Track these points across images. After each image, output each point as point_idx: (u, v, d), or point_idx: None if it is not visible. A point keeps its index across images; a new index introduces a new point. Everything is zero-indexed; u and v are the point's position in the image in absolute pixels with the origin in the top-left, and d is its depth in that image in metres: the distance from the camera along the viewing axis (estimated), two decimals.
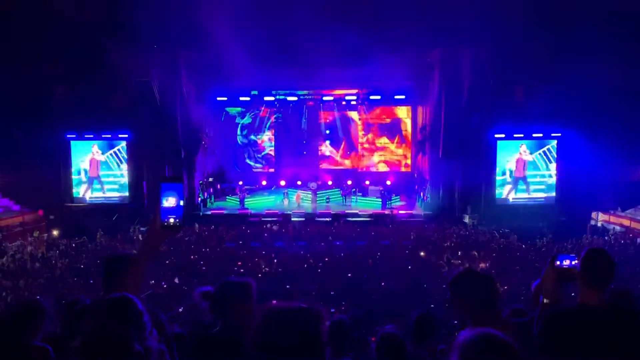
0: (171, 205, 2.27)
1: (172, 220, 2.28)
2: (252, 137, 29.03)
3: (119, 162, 24.34)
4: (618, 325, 2.58)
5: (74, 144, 24.24)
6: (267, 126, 28.93)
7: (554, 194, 23.50)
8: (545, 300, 3.01)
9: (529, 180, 23.71)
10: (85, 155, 24.32)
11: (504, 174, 23.74)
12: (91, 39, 19.65)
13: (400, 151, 28.79)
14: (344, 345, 3.71)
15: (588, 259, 2.88)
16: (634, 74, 20.65)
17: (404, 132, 28.66)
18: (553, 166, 23.51)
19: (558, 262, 3.03)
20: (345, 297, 11.84)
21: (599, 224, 21.57)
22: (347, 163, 29.18)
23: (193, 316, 9.90)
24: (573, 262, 2.98)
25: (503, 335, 1.64)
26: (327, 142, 28.98)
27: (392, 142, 28.75)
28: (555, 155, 23.41)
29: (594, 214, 22.05)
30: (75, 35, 19.70)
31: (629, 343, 2.61)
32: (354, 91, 26.25)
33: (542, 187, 23.67)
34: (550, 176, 23.60)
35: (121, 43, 20.02)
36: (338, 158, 29.22)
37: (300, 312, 1.68)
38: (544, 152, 23.57)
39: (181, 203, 2.29)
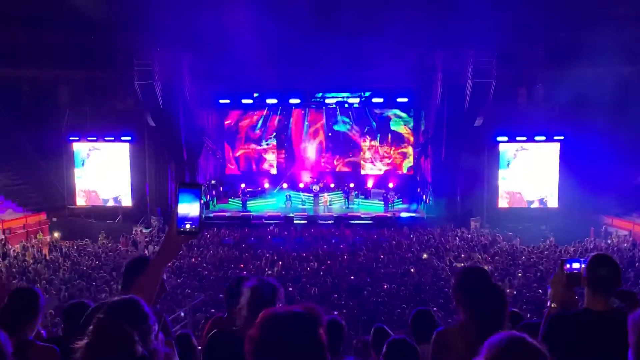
0: (188, 212, 2.28)
1: (188, 226, 2.28)
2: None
3: (121, 164, 24.33)
4: (623, 329, 2.56)
5: (77, 146, 24.26)
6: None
7: (556, 197, 23.43)
8: (552, 305, 3.00)
9: (531, 182, 23.66)
10: (88, 157, 24.34)
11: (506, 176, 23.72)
12: (95, 41, 19.76)
13: (402, 153, 28.80)
14: (337, 345, 3.71)
15: (594, 265, 2.86)
16: (637, 77, 20.63)
17: (406, 135, 28.67)
18: (556, 169, 23.44)
19: (568, 266, 3.01)
20: (348, 299, 11.83)
21: (602, 228, 21.50)
22: (350, 165, 29.17)
23: (195, 318, 9.92)
24: (583, 266, 2.97)
25: (534, 341, 1.62)
26: (331, 144, 28.99)
27: (395, 146, 28.77)
28: (558, 158, 23.35)
29: (597, 217, 21.98)
30: (78, 38, 19.80)
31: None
32: (357, 94, 26.26)
33: (545, 190, 23.61)
34: (553, 179, 23.54)
35: (125, 45, 20.13)
36: (341, 160, 29.21)
37: (298, 316, 1.67)
38: (547, 154, 23.51)
39: (198, 210, 2.29)
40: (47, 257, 17.58)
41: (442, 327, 3.11)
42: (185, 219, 2.28)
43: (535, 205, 23.62)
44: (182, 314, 10.15)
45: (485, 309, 2.85)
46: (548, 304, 3.05)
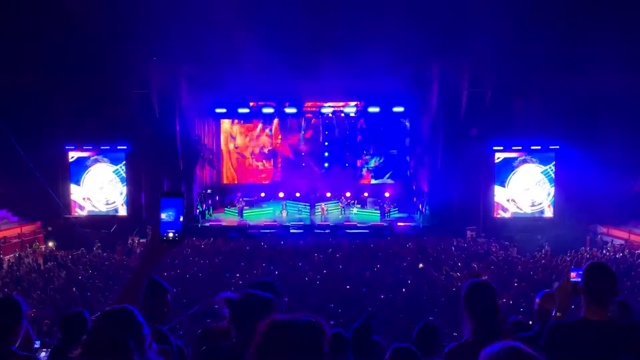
0: (171, 220, 2.29)
1: (171, 234, 2.28)
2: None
3: (117, 173, 24.29)
4: (620, 339, 2.58)
5: (73, 155, 24.22)
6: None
7: (552, 206, 23.48)
8: (558, 314, 3.01)
9: (527, 192, 23.72)
10: (84, 167, 24.30)
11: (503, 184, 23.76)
12: (91, 50, 19.76)
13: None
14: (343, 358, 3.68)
15: (590, 274, 2.87)
16: (634, 85, 20.75)
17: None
18: (551, 178, 23.51)
19: (573, 275, 3.03)
20: (344, 309, 11.79)
21: (598, 237, 21.55)
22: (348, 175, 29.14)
23: (191, 328, 9.86)
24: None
25: (530, 349, 1.63)
26: (326, 153, 28.99)
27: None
28: (554, 168, 23.43)
29: (592, 226, 22.03)
30: (75, 46, 19.80)
31: (632, 358, 2.60)
32: (353, 103, 26.32)
33: (541, 199, 23.67)
34: (549, 188, 23.60)
35: (121, 55, 20.13)
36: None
37: (304, 325, 1.67)
38: (542, 163, 23.59)
39: (181, 218, 2.29)
40: (42, 267, 17.48)
41: (453, 344, 3.06)
42: (168, 227, 2.29)
43: (531, 214, 23.66)
44: (178, 325, 10.09)
45: (489, 324, 2.84)
46: (553, 314, 3.06)
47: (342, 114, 27.17)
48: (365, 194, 27.38)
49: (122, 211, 24.30)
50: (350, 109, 26.41)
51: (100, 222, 23.43)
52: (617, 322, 2.83)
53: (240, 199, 25.94)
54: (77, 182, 24.33)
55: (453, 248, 19.53)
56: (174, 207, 2.30)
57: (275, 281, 3.06)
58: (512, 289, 13.52)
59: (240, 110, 26.55)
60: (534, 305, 3.98)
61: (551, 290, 3.86)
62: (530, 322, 4.96)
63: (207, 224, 24.27)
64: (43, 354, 3.86)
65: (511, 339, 2.98)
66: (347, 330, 3.93)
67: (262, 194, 27.66)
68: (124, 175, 24.26)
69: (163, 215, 2.29)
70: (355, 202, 26.66)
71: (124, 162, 24.22)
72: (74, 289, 13.90)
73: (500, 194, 23.76)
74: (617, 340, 2.67)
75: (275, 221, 24.49)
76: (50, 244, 21.32)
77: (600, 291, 2.83)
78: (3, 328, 2.83)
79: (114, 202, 24.39)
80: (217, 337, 3.17)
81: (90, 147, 24.13)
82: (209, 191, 26.98)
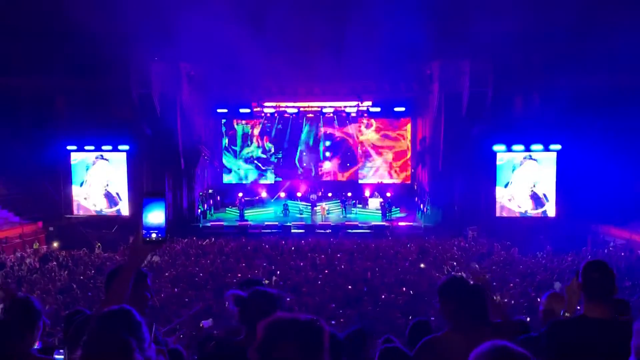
0: (154, 221, 2.27)
1: (154, 235, 2.27)
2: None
3: (119, 173, 24.29)
4: (620, 337, 2.56)
5: (75, 155, 24.23)
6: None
7: (554, 206, 23.44)
8: (566, 314, 3.01)
9: (529, 191, 23.68)
10: (85, 167, 24.31)
11: (505, 185, 23.72)
12: (92, 50, 19.78)
13: (400, 163, 28.83)
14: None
15: (587, 271, 2.87)
16: (637, 85, 20.72)
17: (404, 144, 28.72)
18: (553, 178, 23.46)
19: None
20: (346, 309, 11.78)
21: (600, 237, 21.50)
22: (347, 175, 29.15)
23: (191, 328, 9.86)
24: None
25: (518, 348, 1.62)
26: (327, 153, 29.00)
27: (392, 153, 28.81)
28: (556, 167, 23.38)
29: (594, 227, 21.98)
30: (76, 47, 19.82)
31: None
32: (354, 103, 26.33)
33: (543, 199, 23.63)
34: (550, 188, 23.56)
35: (122, 55, 20.15)
36: (338, 170, 29.20)
37: (305, 324, 1.68)
38: (544, 163, 23.54)
39: (163, 219, 2.28)
40: (43, 267, 17.49)
41: (429, 336, 3.04)
42: (151, 228, 2.27)
43: (533, 214, 23.62)
44: (179, 325, 10.09)
45: (468, 317, 2.84)
46: (561, 313, 3.06)
47: (344, 114, 27.18)
48: (367, 194, 27.40)
49: (124, 211, 24.28)
50: (352, 108, 26.41)
51: (102, 223, 23.45)
52: (616, 320, 2.83)
53: (242, 199, 25.97)
54: (79, 183, 24.34)
55: (455, 248, 19.51)
56: (157, 208, 2.29)
57: (262, 279, 3.09)
58: (513, 290, 13.49)
59: (242, 110, 26.59)
60: (538, 306, 3.97)
61: (557, 291, 3.86)
62: (529, 319, 4.94)
63: (209, 224, 24.31)
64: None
65: (516, 341, 2.97)
66: (343, 331, 3.90)
67: (264, 194, 27.70)
68: (125, 175, 24.25)
69: (146, 216, 2.28)
70: (357, 201, 26.67)
71: (126, 163, 24.21)
72: (74, 286, 13.92)
73: (502, 193, 23.72)
74: (616, 338, 2.66)
75: (276, 221, 24.51)
76: (56, 244, 21.34)
77: (597, 288, 2.83)
78: (20, 330, 2.78)
79: (115, 203, 24.40)
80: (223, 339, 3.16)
81: (92, 147, 24.11)
82: (210, 191, 27.03)
